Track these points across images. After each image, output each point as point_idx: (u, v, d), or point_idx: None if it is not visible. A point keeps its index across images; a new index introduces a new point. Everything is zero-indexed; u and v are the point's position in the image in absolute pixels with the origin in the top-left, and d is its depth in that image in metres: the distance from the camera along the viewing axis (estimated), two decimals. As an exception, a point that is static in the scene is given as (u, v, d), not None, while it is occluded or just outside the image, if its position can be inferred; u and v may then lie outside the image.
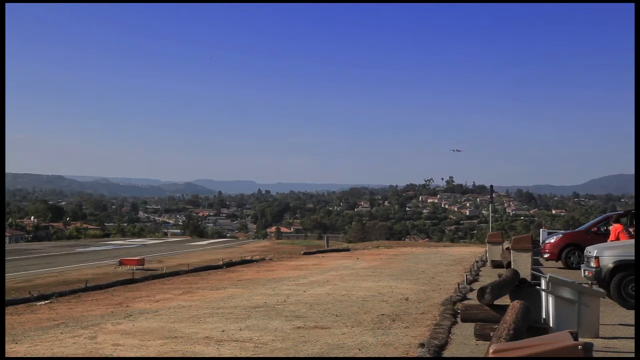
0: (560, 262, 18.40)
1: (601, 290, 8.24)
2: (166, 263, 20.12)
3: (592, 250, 10.94)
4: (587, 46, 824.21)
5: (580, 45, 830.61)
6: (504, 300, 7.69)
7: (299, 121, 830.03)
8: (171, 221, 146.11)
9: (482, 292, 7.18)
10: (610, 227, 14.96)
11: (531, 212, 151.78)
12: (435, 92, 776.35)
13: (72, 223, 78.37)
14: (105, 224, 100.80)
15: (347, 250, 28.58)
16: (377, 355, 6.82)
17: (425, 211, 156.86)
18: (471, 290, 12.05)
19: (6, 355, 6.91)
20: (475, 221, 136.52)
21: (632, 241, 12.25)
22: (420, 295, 11.88)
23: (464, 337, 7.56)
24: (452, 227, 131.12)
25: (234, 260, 21.11)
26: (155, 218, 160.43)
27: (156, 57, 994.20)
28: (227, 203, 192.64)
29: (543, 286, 7.81)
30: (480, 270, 16.86)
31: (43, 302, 11.70)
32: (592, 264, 10.65)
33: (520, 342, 3.31)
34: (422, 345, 6.96)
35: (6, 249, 28.66)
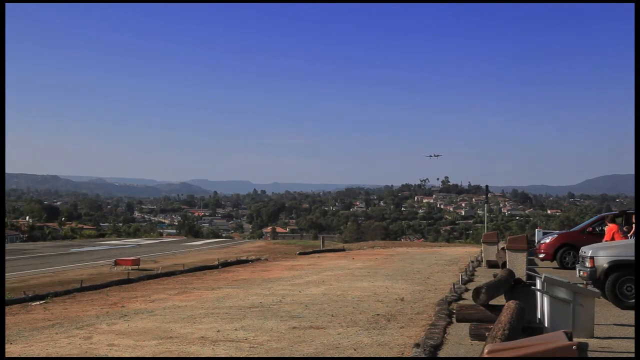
0: (555, 262, 18.45)
1: (596, 290, 8.25)
2: (161, 263, 20.09)
3: (587, 251, 10.95)
4: (584, 46, 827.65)
5: (578, 46, 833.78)
6: (499, 300, 7.72)
7: (295, 121, 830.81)
8: (166, 221, 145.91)
9: (477, 292, 7.20)
10: (605, 227, 15.00)
11: (526, 212, 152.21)
12: (430, 93, 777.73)
13: (67, 223, 78.29)
14: (101, 224, 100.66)
15: (343, 250, 28.61)
16: (372, 356, 6.82)
17: (420, 211, 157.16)
18: (466, 290, 12.05)
19: (4, 356, 6.88)
20: (471, 221, 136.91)
21: (627, 241, 12.30)
22: (415, 296, 11.88)
23: (459, 337, 7.56)
24: (448, 227, 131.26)
25: (229, 261, 21.09)
26: (151, 218, 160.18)
27: (151, 57, 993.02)
28: (223, 203, 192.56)
29: (538, 286, 7.83)
30: (475, 271, 16.87)
31: (38, 303, 11.65)
32: (587, 264, 10.66)
33: (515, 342, 3.33)
34: (417, 345, 6.97)
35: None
